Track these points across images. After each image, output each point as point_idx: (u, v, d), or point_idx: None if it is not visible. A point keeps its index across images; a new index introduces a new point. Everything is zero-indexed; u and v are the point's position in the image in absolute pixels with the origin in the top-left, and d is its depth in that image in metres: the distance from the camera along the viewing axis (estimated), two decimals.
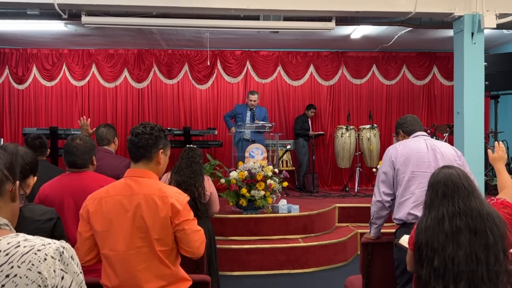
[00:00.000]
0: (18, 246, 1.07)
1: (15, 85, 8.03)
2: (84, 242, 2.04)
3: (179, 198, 2.01)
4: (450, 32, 6.05)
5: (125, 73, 8.15)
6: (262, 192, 5.14)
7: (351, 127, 7.73)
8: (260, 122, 6.39)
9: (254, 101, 6.76)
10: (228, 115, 7.07)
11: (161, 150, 2.09)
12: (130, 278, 1.96)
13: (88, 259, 2.06)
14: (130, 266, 1.96)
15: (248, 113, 6.79)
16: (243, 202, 5.18)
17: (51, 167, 3.50)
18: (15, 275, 1.03)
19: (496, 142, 2.83)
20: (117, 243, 1.96)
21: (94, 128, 3.88)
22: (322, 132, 8.12)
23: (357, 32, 7.03)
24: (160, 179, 2.15)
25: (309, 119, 7.97)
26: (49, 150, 3.71)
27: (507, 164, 2.79)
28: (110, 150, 3.64)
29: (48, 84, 8.05)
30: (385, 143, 8.08)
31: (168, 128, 7.76)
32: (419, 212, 2.65)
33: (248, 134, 6.48)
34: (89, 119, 3.87)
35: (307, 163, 7.74)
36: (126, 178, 2.06)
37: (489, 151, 2.79)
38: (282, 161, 7.90)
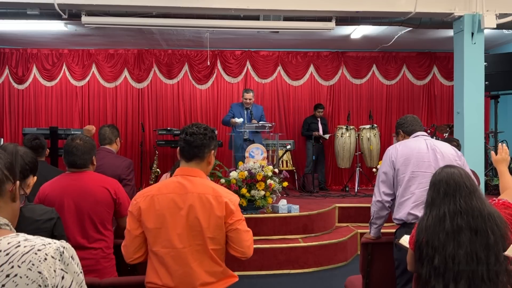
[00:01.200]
0: (19, 246, 1.07)
1: (15, 85, 8.03)
2: (134, 240, 2.04)
3: (232, 198, 2.05)
4: (450, 32, 6.06)
5: (125, 73, 8.15)
6: (262, 192, 5.14)
7: (351, 127, 7.73)
8: (260, 122, 6.37)
9: (250, 99, 6.56)
10: (228, 118, 6.71)
11: (213, 151, 2.13)
12: (183, 275, 1.98)
13: (137, 257, 2.07)
14: (185, 263, 1.97)
15: (245, 112, 6.62)
16: (243, 202, 5.18)
17: (50, 168, 3.49)
18: (16, 275, 1.03)
19: (499, 144, 2.83)
20: (171, 240, 1.97)
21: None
22: (324, 136, 7.84)
23: (357, 32, 7.03)
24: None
25: (318, 119, 7.89)
26: (48, 150, 3.71)
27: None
28: (112, 150, 3.65)
29: (48, 84, 8.05)
30: (385, 143, 8.08)
31: (168, 128, 7.77)
32: (419, 212, 2.65)
33: (247, 134, 6.41)
34: (93, 128, 3.91)
35: (313, 164, 7.67)
36: (178, 176, 2.08)
37: (492, 153, 2.79)
38: (282, 161, 7.90)
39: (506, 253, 1.84)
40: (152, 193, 2.04)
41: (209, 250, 1.99)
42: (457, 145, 3.85)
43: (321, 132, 7.85)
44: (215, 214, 1.98)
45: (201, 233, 1.98)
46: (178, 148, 2.13)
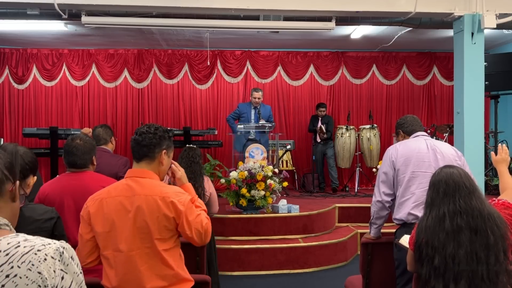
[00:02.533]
0: (18, 246, 1.07)
1: (15, 85, 8.03)
2: (86, 244, 2.03)
3: (181, 198, 2.00)
4: (450, 32, 6.06)
5: (125, 73, 8.15)
6: (262, 192, 5.14)
7: (351, 127, 7.72)
8: (260, 122, 6.36)
9: (259, 98, 6.52)
10: (232, 117, 6.72)
11: (164, 151, 2.09)
12: (132, 279, 1.96)
13: (90, 261, 2.05)
14: (133, 266, 1.95)
15: (253, 112, 6.59)
16: (243, 202, 5.18)
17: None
18: (15, 275, 1.03)
19: (499, 144, 2.83)
20: (119, 244, 1.95)
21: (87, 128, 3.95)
22: (324, 132, 7.56)
23: (357, 32, 7.03)
24: (162, 180, 2.15)
25: (319, 119, 7.64)
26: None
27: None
28: (108, 150, 3.67)
29: (48, 84, 8.05)
30: (385, 143, 8.08)
31: (168, 128, 7.75)
32: (419, 212, 2.65)
33: (253, 134, 6.36)
34: (90, 130, 3.92)
35: (322, 163, 7.58)
36: (127, 178, 2.05)
37: (492, 153, 2.79)
38: (282, 161, 7.90)
39: None
40: (101, 196, 2.02)
41: (159, 252, 1.96)
42: None
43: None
44: (163, 215, 1.95)
45: (149, 235, 1.95)
46: (131, 147, 2.12)
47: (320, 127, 7.42)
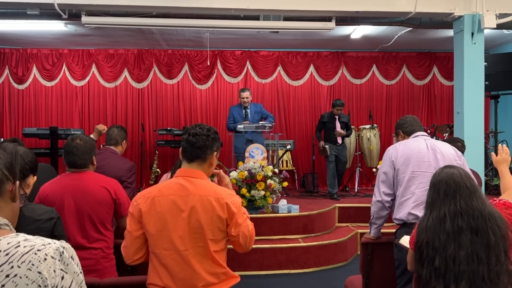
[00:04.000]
0: (18, 246, 1.07)
1: (15, 85, 8.03)
2: (134, 241, 2.03)
3: (234, 200, 2.04)
4: (450, 32, 6.06)
5: (125, 73, 8.15)
6: (262, 192, 5.14)
7: (351, 127, 7.72)
8: (260, 122, 6.36)
9: (247, 98, 6.50)
10: (230, 122, 6.62)
11: (215, 152, 2.12)
12: (185, 277, 1.97)
13: (137, 258, 2.06)
14: (186, 265, 1.97)
15: (243, 112, 6.59)
16: (243, 202, 5.17)
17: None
18: (15, 275, 1.03)
19: (499, 145, 2.83)
20: (173, 242, 1.96)
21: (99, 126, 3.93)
22: (342, 133, 6.81)
23: (357, 32, 7.03)
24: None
25: (336, 118, 6.84)
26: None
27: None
28: (116, 152, 3.64)
29: (48, 84, 8.05)
30: (385, 143, 8.08)
31: (168, 128, 7.76)
32: (419, 212, 2.65)
33: (248, 135, 6.36)
34: (105, 127, 3.90)
35: (334, 166, 6.82)
36: (179, 177, 2.06)
37: (493, 154, 2.79)
38: (282, 161, 7.90)
39: None
40: (153, 194, 2.02)
41: (211, 252, 1.99)
42: (462, 146, 3.82)
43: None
44: (217, 216, 1.98)
45: (203, 236, 1.97)
46: (181, 148, 2.11)
47: (340, 132, 6.76)
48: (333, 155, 6.78)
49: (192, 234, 1.97)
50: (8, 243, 1.07)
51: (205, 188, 2.02)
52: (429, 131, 7.13)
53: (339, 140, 6.86)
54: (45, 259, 1.06)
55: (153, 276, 2.02)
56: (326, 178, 8.33)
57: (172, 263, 1.97)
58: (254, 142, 6.09)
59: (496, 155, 2.74)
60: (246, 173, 5.15)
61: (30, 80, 8.02)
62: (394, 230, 3.05)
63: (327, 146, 6.73)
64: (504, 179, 2.60)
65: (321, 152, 6.92)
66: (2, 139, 7.32)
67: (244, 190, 5.13)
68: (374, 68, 8.44)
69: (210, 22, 5.57)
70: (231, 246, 2.14)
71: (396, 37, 6.97)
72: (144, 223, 2.00)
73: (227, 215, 1.99)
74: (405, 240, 2.37)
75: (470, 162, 3.45)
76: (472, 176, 2.09)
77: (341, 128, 6.87)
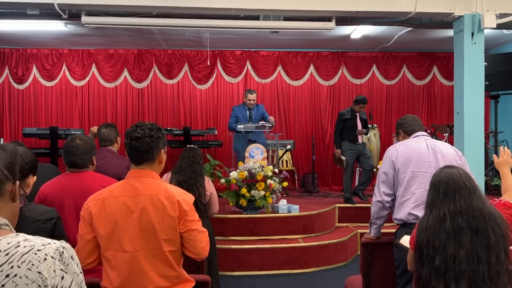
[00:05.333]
0: (18, 246, 1.06)
1: (15, 85, 8.03)
2: (86, 245, 2.00)
3: (186, 198, 2.01)
4: (450, 32, 6.05)
5: (125, 73, 8.15)
6: (262, 192, 5.14)
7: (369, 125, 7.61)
8: (260, 122, 6.36)
9: (253, 100, 6.57)
10: (233, 122, 6.55)
11: (162, 150, 2.08)
12: (134, 280, 1.94)
13: (90, 262, 2.03)
14: (136, 267, 1.94)
15: (247, 113, 6.62)
16: (243, 202, 5.18)
17: (41, 164, 3.46)
18: (15, 275, 1.03)
19: (501, 147, 2.83)
20: (123, 244, 1.94)
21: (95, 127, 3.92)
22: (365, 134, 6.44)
23: (357, 32, 7.03)
24: (161, 176, 2.15)
25: (357, 115, 6.36)
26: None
27: None
28: (113, 150, 3.66)
29: (48, 84, 8.05)
30: (385, 143, 8.08)
31: (168, 128, 7.76)
32: (419, 212, 2.65)
33: (250, 135, 6.34)
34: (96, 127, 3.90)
35: (352, 167, 6.38)
36: (130, 178, 2.03)
37: (494, 156, 2.79)
38: (282, 161, 7.90)
39: None
40: (103, 196, 2.00)
41: (165, 252, 1.95)
42: None
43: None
44: (168, 215, 1.94)
45: (155, 236, 1.94)
46: (125, 152, 2.06)
47: (361, 130, 6.31)
48: (351, 162, 6.24)
49: (143, 235, 1.94)
50: (8, 243, 1.07)
51: (155, 187, 1.99)
52: (429, 131, 7.12)
53: (360, 140, 6.34)
54: (45, 259, 1.06)
55: (105, 279, 2.00)
56: (326, 178, 8.37)
57: (122, 265, 1.94)
58: (257, 143, 6.08)
59: (498, 157, 2.74)
60: (246, 173, 5.15)
61: (30, 80, 8.02)
62: (394, 230, 3.05)
63: (344, 158, 6.17)
64: (505, 180, 2.60)
65: (337, 162, 6.41)
66: (2, 140, 7.33)
67: (244, 190, 5.13)
68: (374, 68, 8.44)
69: (210, 22, 5.57)
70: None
71: (396, 37, 6.97)
72: (95, 225, 1.97)
73: (178, 212, 1.96)
74: (405, 240, 2.37)
75: (470, 162, 3.45)
76: (473, 176, 2.09)
77: (362, 126, 6.38)
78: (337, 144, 6.33)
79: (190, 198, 2.04)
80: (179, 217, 1.96)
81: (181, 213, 1.96)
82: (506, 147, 2.80)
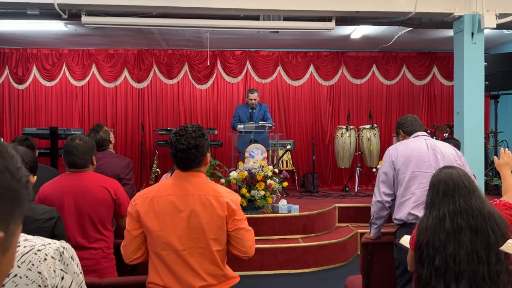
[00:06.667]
0: (18, 246, 1.06)
1: (15, 85, 8.03)
2: (133, 240, 2.03)
3: (233, 197, 2.05)
4: (450, 32, 6.06)
5: (125, 73, 8.15)
6: (262, 192, 5.14)
7: (351, 127, 7.72)
8: (260, 122, 6.36)
9: (255, 99, 6.57)
10: (235, 122, 6.63)
11: (208, 153, 2.09)
12: (183, 277, 1.97)
13: (136, 257, 2.05)
14: (185, 265, 1.97)
15: (250, 113, 6.63)
16: (243, 202, 5.17)
17: (43, 167, 3.47)
18: (15, 275, 1.03)
19: (502, 148, 2.83)
20: (172, 243, 1.96)
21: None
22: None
23: (357, 32, 7.03)
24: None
25: None
26: (37, 151, 3.69)
27: None
28: (111, 151, 3.65)
29: (48, 84, 8.05)
30: (385, 143, 8.07)
31: (168, 128, 7.77)
32: (419, 212, 2.65)
33: (252, 135, 6.34)
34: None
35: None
36: (178, 178, 2.05)
37: (495, 157, 2.79)
38: (282, 161, 7.90)
39: (501, 248, 1.83)
40: (151, 195, 2.02)
41: (213, 251, 1.99)
42: (456, 145, 3.83)
43: None
44: (217, 215, 1.98)
45: (204, 235, 1.97)
46: (172, 159, 2.07)
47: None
48: None
49: (192, 234, 1.97)
50: None
51: (203, 188, 2.02)
52: (429, 131, 7.12)
53: None
54: (45, 259, 1.06)
55: (153, 275, 2.02)
56: (326, 178, 8.36)
57: (171, 263, 1.97)
58: (260, 143, 6.07)
59: (498, 158, 2.73)
60: (246, 173, 5.15)
61: (30, 80, 8.02)
62: (394, 230, 3.05)
63: None
64: (506, 182, 2.60)
65: None
66: (2, 140, 7.33)
67: (244, 190, 5.13)
68: (374, 68, 8.44)
69: (210, 22, 5.57)
70: None
71: (396, 37, 6.97)
72: (143, 223, 1.99)
73: (227, 212, 1.99)
74: (405, 240, 2.37)
75: (470, 162, 3.46)
76: (472, 176, 2.09)
77: None
78: None
79: (237, 197, 2.08)
80: (227, 217, 2.00)
81: (229, 213, 2.00)
82: (506, 148, 2.80)
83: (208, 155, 2.11)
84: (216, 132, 7.74)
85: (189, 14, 5.46)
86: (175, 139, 2.01)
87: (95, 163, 2.77)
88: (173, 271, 1.97)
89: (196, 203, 1.98)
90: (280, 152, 7.53)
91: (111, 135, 3.72)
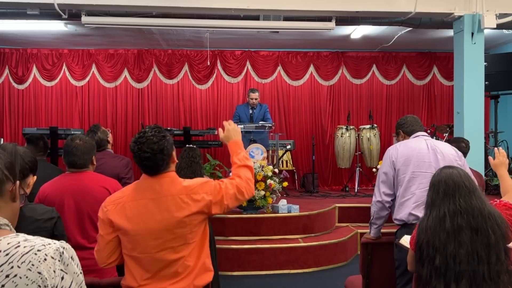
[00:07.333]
0: (18, 246, 1.06)
1: (15, 85, 8.03)
2: (107, 245, 2.00)
3: (206, 189, 2.01)
4: (450, 32, 6.06)
5: (125, 73, 8.15)
6: (262, 192, 5.14)
7: (351, 127, 7.72)
8: (260, 122, 6.36)
9: (256, 99, 6.57)
10: (236, 122, 6.43)
11: (173, 152, 2.04)
12: (163, 273, 1.97)
13: (111, 261, 2.04)
14: (164, 263, 1.96)
15: (250, 113, 6.63)
16: (243, 202, 5.17)
17: (51, 166, 3.49)
18: (15, 275, 1.03)
19: (495, 148, 2.82)
20: (147, 246, 1.94)
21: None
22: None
23: (357, 32, 7.03)
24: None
25: None
26: (48, 151, 3.72)
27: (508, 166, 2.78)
28: (110, 150, 3.66)
29: (48, 84, 8.05)
30: (385, 143, 8.07)
31: (168, 128, 7.76)
32: (420, 213, 2.65)
33: (252, 136, 6.35)
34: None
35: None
36: (147, 180, 2.01)
37: (490, 158, 2.78)
38: (282, 161, 7.90)
39: (510, 245, 1.83)
40: (123, 200, 1.99)
41: (191, 244, 1.98)
42: (466, 146, 3.84)
43: None
44: (192, 212, 1.96)
45: (182, 233, 1.96)
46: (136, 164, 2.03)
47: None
48: None
49: (169, 234, 1.95)
50: (8, 243, 1.07)
51: (174, 186, 1.98)
52: (429, 131, 7.12)
53: None
54: (45, 259, 1.06)
55: (129, 277, 2.00)
56: (326, 178, 8.36)
57: (150, 264, 1.97)
58: (259, 143, 6.07)
59: (494, 158, 2.73)
60: None
61: (30, 80, 8.02)
62: (394, 230, 3.06)
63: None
64: (504, 182, 2.59)
65: None
66: (2, 140, 7.33)
67: None
68: (374, 68, 8.44)
69: (210, 22, 5.58)
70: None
71: (396, 37, 6.97)
72: (117, 227, 1.97)
73: (202, 206, 1.98)
74: (405, 240, 2.37)
75: (470, 162, 3.46)
76: (472, 176, 2.09)
77: None
78: None
79: (209, 185, 2.03)
80: (204, 208, 1.98)
81: (206, 205, 1.99)
82: (500, 148, 2.79)
83: (174, 153, 2.05)
84: (216, 132, 7.73)
85: (189, 14, 5.46)
86: (137, 148, 1.93)
87: (95, 163, 2.77)
88: (153, 270, 1.96)
89: (170, 203, 1.95)
90: (280, 152, 7.53)
91: (109, 135, 3.72)
